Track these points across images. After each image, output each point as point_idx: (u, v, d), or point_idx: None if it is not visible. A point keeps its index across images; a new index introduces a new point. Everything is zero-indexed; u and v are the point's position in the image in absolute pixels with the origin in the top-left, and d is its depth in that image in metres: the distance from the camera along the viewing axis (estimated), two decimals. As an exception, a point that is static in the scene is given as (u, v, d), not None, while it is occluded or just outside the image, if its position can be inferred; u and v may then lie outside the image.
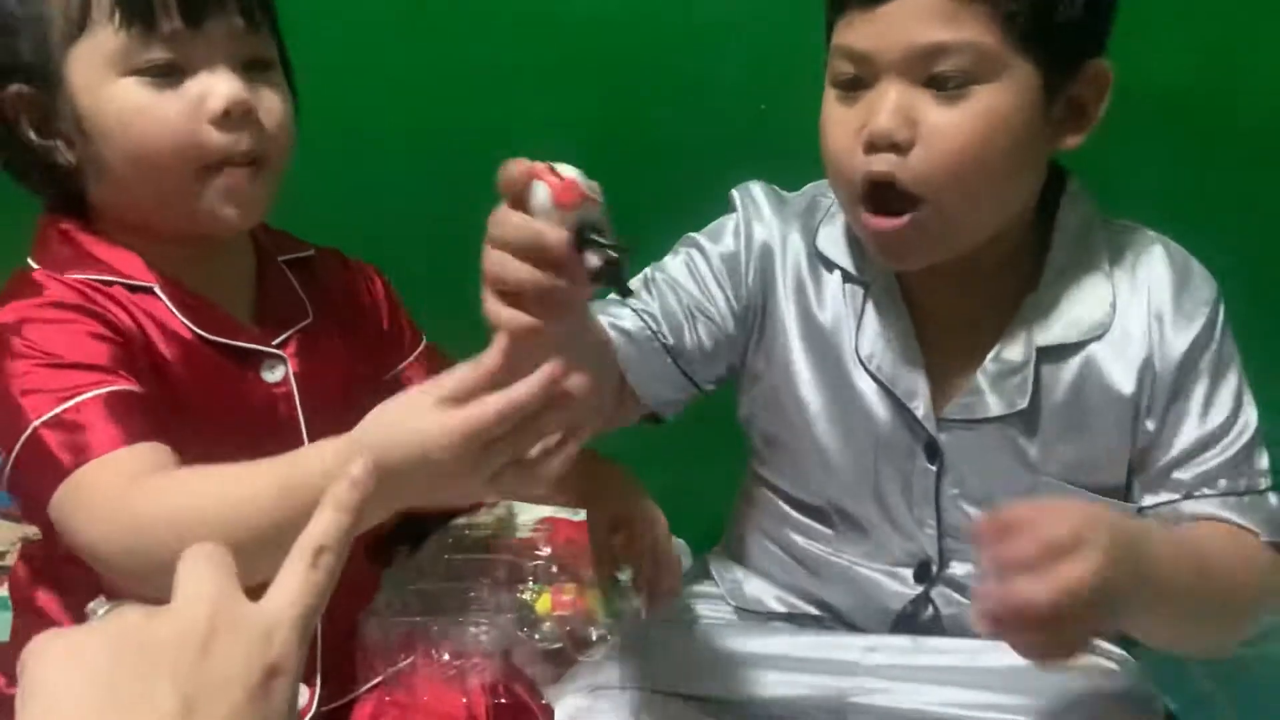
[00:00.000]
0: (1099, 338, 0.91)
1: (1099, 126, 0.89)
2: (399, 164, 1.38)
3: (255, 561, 0.65)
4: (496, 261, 0.70)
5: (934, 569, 0.97)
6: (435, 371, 1.07)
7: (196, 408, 0.85)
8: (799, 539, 1.03)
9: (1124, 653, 0.99)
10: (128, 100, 0.82)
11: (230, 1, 0.84)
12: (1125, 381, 0.91)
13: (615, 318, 0.94)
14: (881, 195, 0.86)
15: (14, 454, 0.79)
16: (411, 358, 1.04)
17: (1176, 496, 0.91)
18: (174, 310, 0.85)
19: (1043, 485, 0.93)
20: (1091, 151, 0.90)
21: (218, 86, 0.82)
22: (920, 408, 0.93)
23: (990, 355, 0.91)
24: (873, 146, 0.85)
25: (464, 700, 0.95)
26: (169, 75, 0.82)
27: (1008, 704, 0.93)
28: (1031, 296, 0.91)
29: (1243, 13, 1.24)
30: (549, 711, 0.97)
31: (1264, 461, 0.92)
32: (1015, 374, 0.91)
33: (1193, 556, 0.83)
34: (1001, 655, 0.83)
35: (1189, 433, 0.91)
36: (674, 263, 0.99)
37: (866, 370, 0.94)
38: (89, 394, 0.78)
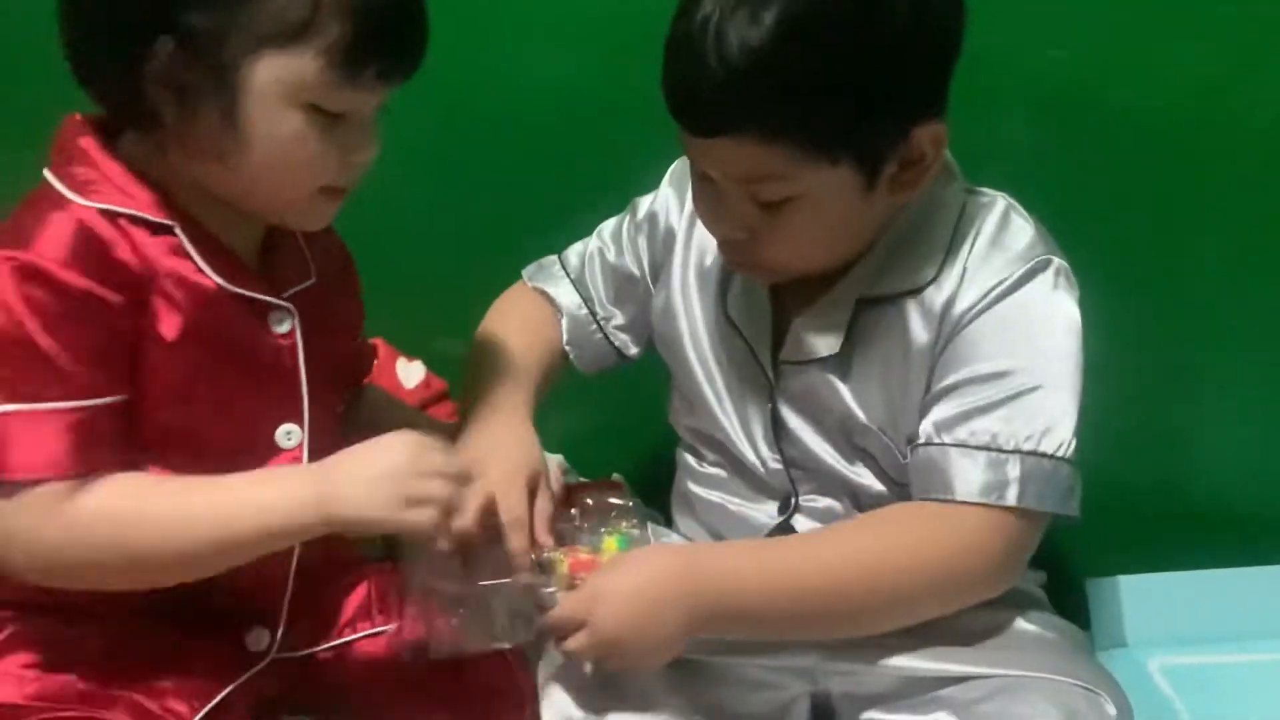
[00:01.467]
0: (915, 292, 0.95)
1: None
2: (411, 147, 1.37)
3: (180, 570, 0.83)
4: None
5: (793, 501, 1.04)
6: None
7: (210, 354, 0.86)
8: (704, 492, 1.09)
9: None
10: (295, 130, 0.82)
11: (413, 65, 0.85)
12: (924, 332, 0.95)
13: (555, 294, 1.12)
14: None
15: None
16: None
17: (921, 441, 0.93)
18: (195, 256, 0.84)
19: (859, 432, 0.98)
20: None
21: (368, 144, 0.86)
22: (763, 353, 1.01)
23: (817, 305, 0.97)
24: (721, 240, 0.97)
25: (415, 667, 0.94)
26: (334, 118, 0.83)
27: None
28: (865, 257, 0.96)
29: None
30: (520, 693, 0.96)
31: (1028, 426, 0.90)
32: (832, 321, 0.97)
33: (788, 579, 0.90)
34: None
35: (946, 376, 0.93)
36: (610, 226, 1.14)
37: (731, 321, 1.04)
38: (55, 405, 0.79)
